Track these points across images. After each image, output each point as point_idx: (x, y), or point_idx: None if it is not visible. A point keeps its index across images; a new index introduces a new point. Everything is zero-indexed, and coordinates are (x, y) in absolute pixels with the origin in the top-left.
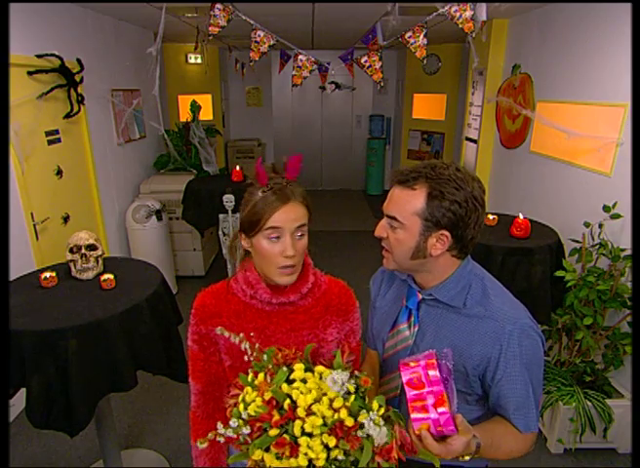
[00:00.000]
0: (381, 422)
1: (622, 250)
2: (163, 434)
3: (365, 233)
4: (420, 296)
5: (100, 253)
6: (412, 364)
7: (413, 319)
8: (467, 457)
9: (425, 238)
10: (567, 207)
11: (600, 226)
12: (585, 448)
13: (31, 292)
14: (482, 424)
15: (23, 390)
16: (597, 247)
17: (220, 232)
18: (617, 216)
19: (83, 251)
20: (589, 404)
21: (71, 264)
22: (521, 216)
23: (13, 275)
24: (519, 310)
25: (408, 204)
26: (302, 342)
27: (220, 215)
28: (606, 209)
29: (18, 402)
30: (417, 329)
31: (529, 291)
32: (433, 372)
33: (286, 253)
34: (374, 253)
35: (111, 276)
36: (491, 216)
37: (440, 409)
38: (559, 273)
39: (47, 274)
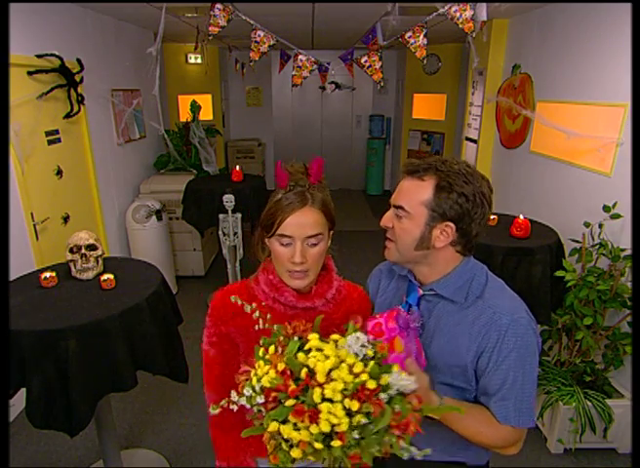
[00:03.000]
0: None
1: (622, 250)
2: (163, 434)
3: (365, 233)
4: (421, 292)
5: (99, 253)
6: (377, 316)
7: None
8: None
9: (430, 228)
10: (567, 207)
11: (600, 226)
12: (585, 448)
13: (31, 292)
14: (459, 400)
15: (23, 390)
16: (597, 247)
17: (220, 232)
18: (617, 216)
19: (83, 251)
20: (589, 404)
21: (71, 264)
22: (521, 217)
23: (13, 275)
24: (518, 305)
25: (416, 194)
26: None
27: (220, 215)
28: (606, 209)
29: (18, 402)
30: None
31: (529, 291)
32: (392, 324)
33: (293, 260)
34: (374, 252)
35: (111, 276)
36: (491, 216)
37: (392, 355)
38: (559, 273)
39: (47, 274)
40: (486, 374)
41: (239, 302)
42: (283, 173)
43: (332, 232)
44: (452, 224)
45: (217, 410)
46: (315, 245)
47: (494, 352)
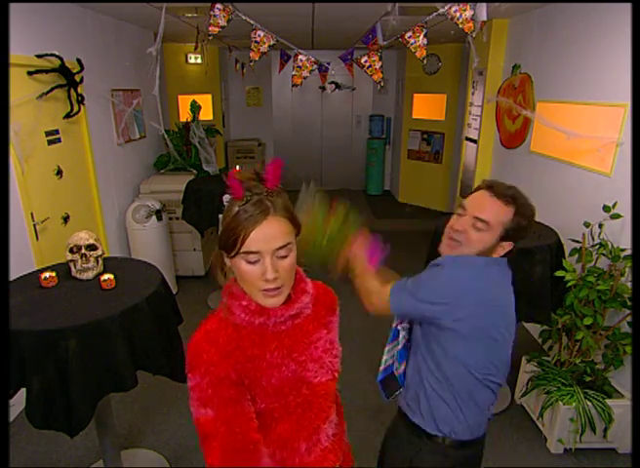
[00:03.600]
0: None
1: (622, 250)
2: (163, 434)
3: None
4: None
5: (99, 253)
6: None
7: None
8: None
9: (497, 244)
10: (567, 207)
11: (600, 226)
12: (585, 448)
13: (31, 292)
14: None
15: (23, 390)
16: (597, 247)
17: None
18: (617, 216)
19: (83, 251)
20: (589, 404)
21: (71, 264)
22: None
23: (13, 275)
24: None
25: (501, 215)
26: (324, 351)
27: (220, 216)
28: (606, 209)
29: (18, 402)
30: None
31: (529, 291)
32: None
33: (266, 277)
34: None
35: (111, 276)
36: None
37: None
38: (559, 273)
39: (47, 274)
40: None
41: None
42: (235, 181)
43: (298, 238)
44: (512, 243)
45: None
46: (285, 257)
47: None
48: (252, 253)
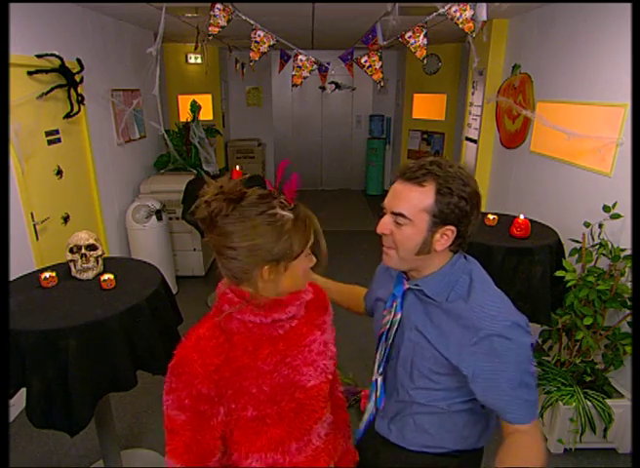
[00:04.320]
0: None
1: (622, 250)
2: (163, 434)
3: (365, 233)
4: (407, 285)
5: (99, 252)
6: None
7: (396, 306)
8: None
9: (432, 233)
10: (567, 207)
11: (600, 226)
12: (585, 448)
13: (31, 292)
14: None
15: (23, 390)
16: (597, 247)
17: None
18: (617, 216)
19: (83, 251)
20: (589, 404)
21: (71, 264)
22: (521, 217)
23: (13, 275)
24: (501, 307)
25: (416, 200)
26: (318, 354)
27: None
28: (606, 209)
29: (18, 402)
30: (399, 316)
31: (529, 291)
32: None
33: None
34: (374, 252)
35: (111, 276)
36: (491, 216)
37: None
38: (559, 273)
39: (47, 274)
40: (482, 381)
41: None
42: (294, 185)
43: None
44: (453, 228)
45: None
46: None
47: (485, 359)
48: (311, 253)
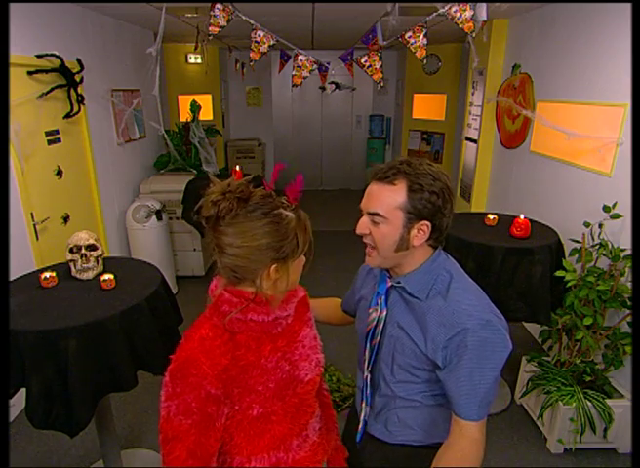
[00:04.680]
0: None
1: (622, 250)
2: None
3: None
4: (390, 283)
5: (99, 252)
6: None
7: (381, 303)
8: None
9: (408, 229)
10: (567, 207)
11: (600, 226)
12: (585, 448)
13: (31, 292)
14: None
15: (23, 390)
16: (597, 247)
17: None
18: (617, 216)
19: (83, 251)
20: (589, 404)
21: (71, 264)
22: (521, 217)
23: (13, 275)
24: (478, 305)
25: (390, 199)
26: (311, 348)
27: None
28: (606, 209)
29: (18, 402)
30: (385, 313)
31: (529, 291)
32: None
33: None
34: None
35: (111, 276)
36: (491, 216)
37: None
38: (559, 273)
39: (47, 274)
40: (447, 371)
41: None
42: (298, 186)
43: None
44: (427, 222)
45: None
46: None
47: (454, 352)
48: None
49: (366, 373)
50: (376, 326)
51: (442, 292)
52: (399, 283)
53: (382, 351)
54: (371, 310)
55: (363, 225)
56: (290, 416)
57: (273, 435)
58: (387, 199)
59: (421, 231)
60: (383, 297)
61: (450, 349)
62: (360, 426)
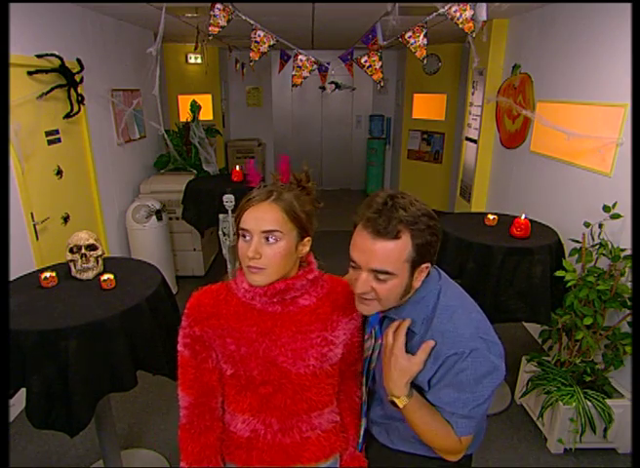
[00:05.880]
0: None
1: (622, 250)
2: (163, 434)
3: None
4: (382, 314)
5: (99, 252)
6: None
7: (375, 332)
8: (400, 401)
9: (412, 277)
10: (567, 207)
11: (600, 226)
12: (585, 448)
13: (31, 292)
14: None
15: (23, 390)
16: (597, 247)
17: (220, 232)
18: (617, 216)
19: (83, 251)
20: (589, 404)
21: (71, 264)
22: (522, 217)
23: (13, 275)
24: (463, 334)
25: (397, 254)
26: (312, 346)
27: (220, 215)
28: (606, 209)
29: (18, 402)
30: (380, 341)
31: (529, 291)
32: None
33: (247, 254)
34: None
35: (111, 276)
36: (491, 216)
37: None
38: (559, 273)
39: (47, 274)
40: (432, 392)
41: None
42: (255, 172)
43: (306, 239)
44: (427, 263)
45: None
46: (272, 243)
47: (440, 378)
48: (243, 229)
49: (364, 390)
50: (372, 353)
51: (427, 323)
52: (391, 315)
53: (379, 374)
54: (367, 337)
55: (366, 284)
56: (264, 393)
57: (250, 402)
58: (395, 254)
59: (422, 272)
60: (377, 327)
61: (436, 377)
62: (361, 438)
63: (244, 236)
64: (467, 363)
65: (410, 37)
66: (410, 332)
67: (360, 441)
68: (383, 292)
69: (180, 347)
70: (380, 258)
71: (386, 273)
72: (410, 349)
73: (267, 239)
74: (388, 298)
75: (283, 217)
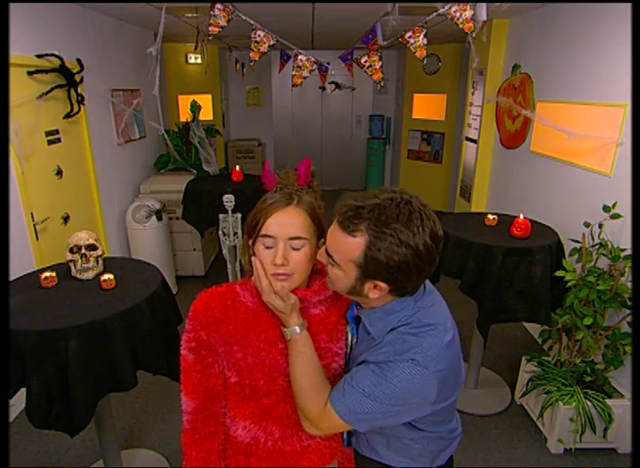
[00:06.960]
0: None
1: (622, 250)
2: (163, 434)
3: None
4: (356, 312)
5: (99, 253)
6: None
7: (351, 329)
8: (289, 331)
9: (362, 283)
10: (567, 207)
11: (600, 226)
12: (585, 448)
13: (31, 292)
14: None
15: (23, 390)
16: (597, 247)
17: (220, 232)
18: (617, 216)
19: (83, 251)
20: (589, 404)
21: (71, 264)
22: (521, 217)
23: (13, 275)
24: (412, 348)
25: (345, 249)
26: (318, 356)
27: (220, 215)
28: (606, 209)
29: (18, 402)
30: (355, 340)
31: (529, 290)
32: None
33: (275, 261)
34: None
35: (111, 276)
36: (491, 216)
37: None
38: (559, 273)
39: (47, 274)
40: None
41: None
42: (270, 174)
43: (321, 242)
44: (383, 284)
45: None
46: (298, 249)
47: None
48: (268, 236)
49: None
50: (350, 350)
51: (390, 333)
52: (361, 316)
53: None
54: (347, 331)
55: (322, 256)
56: (269, 405)
57: (252, 410)
58: (343, 249)
59: (378, 288)
60: (353, 325)
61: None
62: (345, 440)
63: (266, 244)
64: (398, 364)
65: (410, 37)
66: (369, 334)
67: (344, 436)
68: (331, 274)
69: (183, 351)
70: (331, 243)
71: (332, 258)
72: (368, 348)
73: (293, 244)
74: (336, 284)
75: (308, 222)
